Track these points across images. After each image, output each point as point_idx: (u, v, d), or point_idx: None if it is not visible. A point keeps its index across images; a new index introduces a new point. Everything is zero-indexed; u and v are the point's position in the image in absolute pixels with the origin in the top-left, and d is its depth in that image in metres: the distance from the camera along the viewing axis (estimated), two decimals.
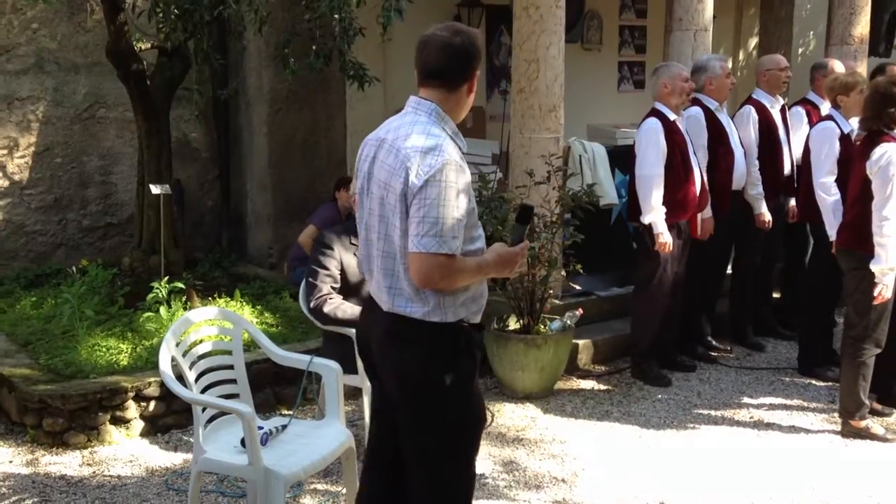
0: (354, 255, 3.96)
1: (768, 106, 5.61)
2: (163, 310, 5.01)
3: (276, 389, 4.74)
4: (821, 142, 4.97)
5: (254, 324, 4.89)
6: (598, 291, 5.81)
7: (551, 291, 5.14)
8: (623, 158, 5.66)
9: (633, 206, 5.15)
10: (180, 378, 3.30)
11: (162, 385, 4.25)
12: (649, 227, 4.99)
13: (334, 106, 6.90)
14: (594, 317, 5.60)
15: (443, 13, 7.16)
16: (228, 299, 5.60)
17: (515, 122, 5.46)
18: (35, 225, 6.63)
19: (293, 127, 6.79)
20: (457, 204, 2.44)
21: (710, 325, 5.72)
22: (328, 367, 3.47)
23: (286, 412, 4.58)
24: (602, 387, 5.18)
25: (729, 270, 5.84)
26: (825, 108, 5.51)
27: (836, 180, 4.85)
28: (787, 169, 5.66)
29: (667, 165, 4.96)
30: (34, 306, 5.61)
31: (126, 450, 4.27)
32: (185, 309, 5.05)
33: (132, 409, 4.39)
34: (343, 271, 4.04)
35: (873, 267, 4.22)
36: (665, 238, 4.96)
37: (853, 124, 4.84)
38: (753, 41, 9.56)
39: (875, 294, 4.24)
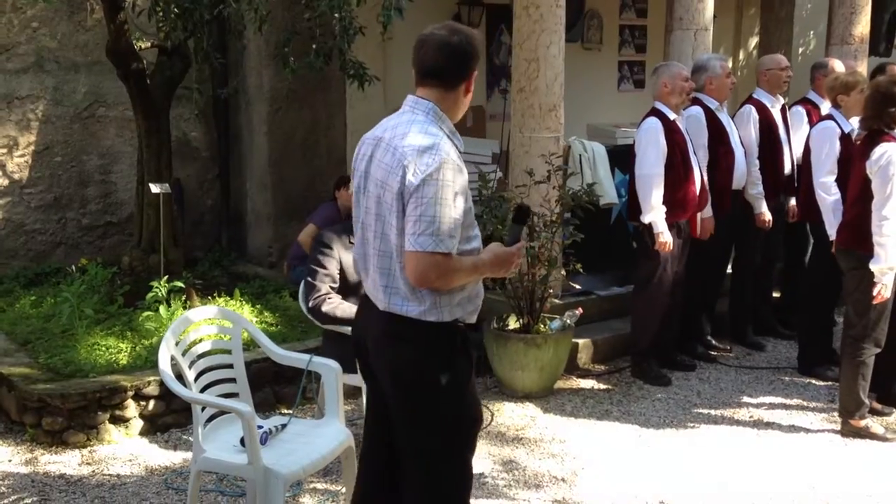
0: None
1: (769, 105, 5.61)
2: (162, 309, 5.01)
3: (276, 388, 4.74)
4: (821, 141, 4.96)
5: (253, 323, 4.89)
6: (597, 291, 5.81)
7: (551, 291, 5.14)
8: (623, 158, 5.66)
9: (632, 205, 5.15)
10: (180, 377, 3.30)
11: (161, 384, 4.25)
12: (649, 227, 4.99)
13: (334, 105, 6.90)
14: (594, 316, 5.60)
15: (443, 12, 7.16)
16: (228, 298, 5.60)
17: (515, 122, 5.46)
18: (35, 224, 6.63)
19: (293, 126, 6.79)
20: (454, 203, 2.44)
21: (709, 325, 5.72)
22: (328, 367, 3.47)
23: (286, 411, 4.58)
24: (602, 386, 5.18)
25: (729, 270, 5.84)
26: (825, 107, 5.51)
27: (837, 180, 4.85)
28: (787, 168, 5.66)
29: (667, 165, 4.96)
30: (33, 305, 5.61)
31: (125, 449, 4.27)
32: (184, 308, 5.05)
33: (131, 408, 4.39)
34: (342, 271, 4.04)
35: (873, 266, 4.22)
36: (665, 237, 4.95)
37: (854, 124, 4.84)
38: (754, 41, 9.56)
39: (874, 293, 4.24)
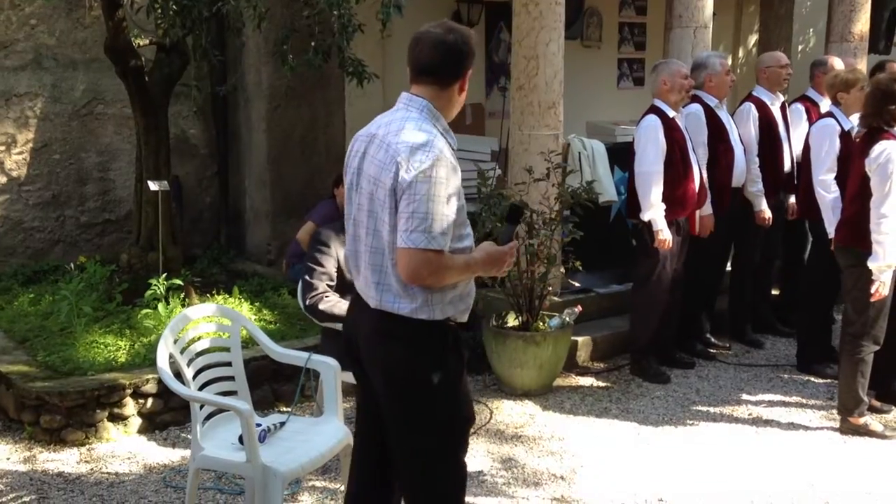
0: None
1: (768, 103, 5.60)
2: (161, 306, 5.00)
3: (275, 386, 4.74)
4: (821, 139, 4.96)
5: (252, 321, 4.89)
6: (597, 288, 5.81)
7: (550, 288, 5.14)
8: (622, 155, 5.65)
9: (632, 203, 5.14)
10: (178, 375, 3.29)
11: (160, 382, 4.24)
12: (649, 224, 4.98)
13: (333, 102, 6.89)
14: (593, 314, 5.60)
15: (442, 9, 7.15)
16: (227, 296, 5.59)
17: (515, 119, 5.45)
18: (33, 221, 6.62)
19: (292, 123, 6.78)
20: (447, 200, 2.43)
21: (709, 322, 5.72)
22: (326, 364, 3.47)
23: (284, 409, 4.58)
24: (601, 384, 5.18)
25: (728, 267, 5.84)
26: (825, 105, 5.51)
27: (836, 178, 4.85)
28: (787, 166, 5.66)
29: (666, 162, 4.96)
30: (32, 303, 5.60)
31: (124, 447, 4.27)
32: (183, 306, 5.05)
33: (130, 406, 4.38)
34: (340, 268, 4.03)
35: (871, 264, 4.22)
36: (665, 235, 4.95)
37: (853, 121, 4.83)
38: (753, 38, 9.55)
39: (872, 291, 4.24)
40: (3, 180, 6.48)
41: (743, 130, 5.52)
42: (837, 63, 5.76)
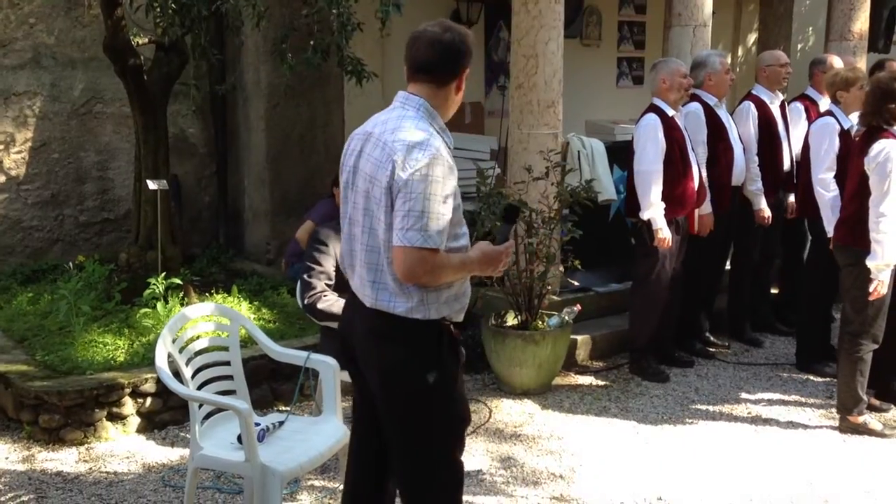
0: None
1: (768, 102, 5.60)
2: (160, 306, 5.00)
3: (274, 386, 4.74)
4: (820, 138, 4.95)
5: (251, 320, 4.89)
6: (596, 287, 5.81)
7: (549, 287, 5.13)
8: (622, 154, 5.65)
9: (631, 201, 5.14)
10: (177, 374, 3.29)
11: (159, 381, 4.24)
12: (648, 223, 4.98)
13: (332, 101, 6.89)
14: (592, 313, 5.59)
15: (442, 8, 7.14)
16: (226, 295, 5.59)
17: (514, 118, 5.45)
18: (32, 220, 6.61)
19: (291, 122, 6.77)
20: (443, 199, 2.43)
21: (708, 321, 5.72)
22: (325, 364, 3.47)
23: (283, 408, 4.58)
24: (600, 383, 5.18)
25: (727, 266, 5.83)
26: (824, 103, 5.50)
27: (836, 176, 4.84)
28: (786, 165, 5.66)
29: (665, 161, 4.95)
30: (31, 302, 5.60)
31: (122, 446, 4.26)
32: (182, 305, 5.04)
33: (129, 406, 4.38)
34: (338, 268, 4.03)
35: (869, 263, 4.22)
36: (664, 234, 4.95)
37: (853, 120, 4.83)
38: (753, 37, 9.55)
39: (871, 290, 4.24)
40: (1, 179, 6.47)
41: (742, 129, 5.52)
42: (837, 61, 5.75)
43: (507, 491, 3.86)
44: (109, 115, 6.79)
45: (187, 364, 3.33)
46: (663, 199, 4.95)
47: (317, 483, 3.89)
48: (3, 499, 3.76)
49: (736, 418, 4.67)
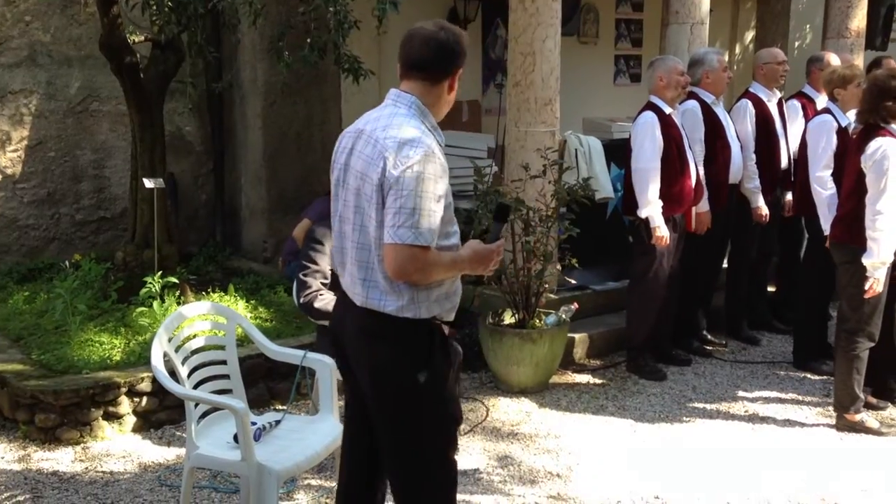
0: None
1: (765, 99, 5.60)
2: (156, 304, 4.99)
3: (270, 384, 4.73)
4: (818, 135, 4.95)
5: (248, 318, 4.88)
6: (593, 285, 5.80)
7: (546, 286, 5.13)
8: (619, 152, 5.64)
9: (628, 199, 5.13)
10: (173, 373, 3.28)
11: (155, 380, 4.23)
12: (646, 221, 4.98)
13: (329, 99, 6.88)
14: (589, 311, 5.59)
15: (439, 6, 7.13)
16: (222, 294, 5.58)
17: (511, 116, 5.44)
18: (28, 219, 6.60)
19: (288, 120, 6.76)
20: (435, 196, 2.42)
21: (705, 319, 5.72)
22: (322, 362, 3.46)
23: (280, 407, 4.57)
24: (597, 381, 5.18)
25: (725, 264, 5.83)
26: (821, 101, 5.50)
27: (833, 174, 4.84)
28: (783, 163, 5.65)
29: (662, 159, 4.95)
30: (27, 301, 5.59)
31: (119, 445, 4.26)
32: (178, 304, 5.03)
33: (125, 405, 4.37)
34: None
35: (865, 261, 4.22)
36: (662, 232, 4.95)
37: (850, 118, 4.82)
38: (750, 34, 9.55)
39: (867, 288, 4.24)
40: None
41: (739, 127, 5.51)
42: (834, 59, 5.75)
43: (504, 490, 3.86)
44: (106, 113, 6.77)
45: (183, 363, 3.33)
46: (661, 196, 4.95)
47: (313, 482, 3.89)
48: None
49: (733, 416, 4.67)
